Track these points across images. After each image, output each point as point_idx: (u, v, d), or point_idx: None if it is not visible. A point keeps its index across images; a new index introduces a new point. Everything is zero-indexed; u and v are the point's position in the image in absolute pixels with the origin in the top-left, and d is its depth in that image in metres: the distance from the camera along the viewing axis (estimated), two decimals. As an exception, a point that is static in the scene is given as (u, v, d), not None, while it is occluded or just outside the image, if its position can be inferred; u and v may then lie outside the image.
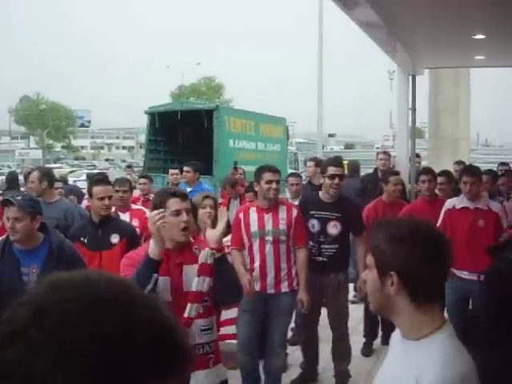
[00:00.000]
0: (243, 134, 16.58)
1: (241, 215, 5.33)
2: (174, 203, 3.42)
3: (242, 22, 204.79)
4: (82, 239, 5.00)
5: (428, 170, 6.98)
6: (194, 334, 3.36)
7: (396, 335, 2.04)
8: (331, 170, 5.62)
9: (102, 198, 5.07)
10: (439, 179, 6.77)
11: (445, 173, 7.09)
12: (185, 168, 8.94)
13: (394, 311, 1.89)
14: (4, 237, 4.17)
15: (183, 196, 3.56)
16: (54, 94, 73.49)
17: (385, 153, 9.62)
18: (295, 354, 6.30)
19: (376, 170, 9.29)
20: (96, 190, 5.14)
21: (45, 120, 67.83)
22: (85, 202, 8.77)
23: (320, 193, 5.80)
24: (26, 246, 4.04)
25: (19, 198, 4.09)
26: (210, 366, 3.48)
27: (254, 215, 5.28)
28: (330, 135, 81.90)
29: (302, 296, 5.27)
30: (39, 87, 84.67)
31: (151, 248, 3.29)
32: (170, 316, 0.88)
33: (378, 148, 61.10)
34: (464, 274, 5.88)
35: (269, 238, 5.20)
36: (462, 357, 1.83)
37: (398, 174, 7.34)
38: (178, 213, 3.41)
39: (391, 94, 53.23)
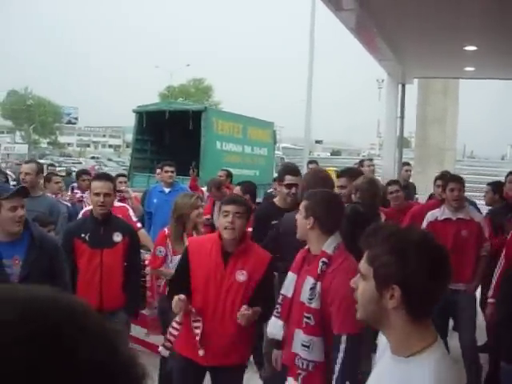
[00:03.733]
0: (231, 136, 16.51)
1: None
2: None
3: (234, 27, 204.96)
4: (83, 235, 4.80)
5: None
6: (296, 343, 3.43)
7: (382, 346, 1.96)
8: (288, 179, 5.25)
9: (98, 194, 4.84)
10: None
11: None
12: (170, 168, 8.80)
13: (386, 325, 1.81)
14: None
15: None
16: (42, 90, 72.69)
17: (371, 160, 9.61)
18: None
19: None
20: (93, 185, 4.95)
21: (31, 115, 67.26)
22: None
23: (275, 200, 5.49)
24: (6, 238, 3.96)
25: None
26: (297, 380, 3.40)
27: None
28: (317, 141, 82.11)
29: None
30: (28, 83, 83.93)
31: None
32: (124, 353, 0.70)
33: (364, 156, 61.36)
34: (446, 285, 5.85)
35: None
36: (453, 375, 1.76)
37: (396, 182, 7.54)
38: None
39: (379, 103, 53.46)
